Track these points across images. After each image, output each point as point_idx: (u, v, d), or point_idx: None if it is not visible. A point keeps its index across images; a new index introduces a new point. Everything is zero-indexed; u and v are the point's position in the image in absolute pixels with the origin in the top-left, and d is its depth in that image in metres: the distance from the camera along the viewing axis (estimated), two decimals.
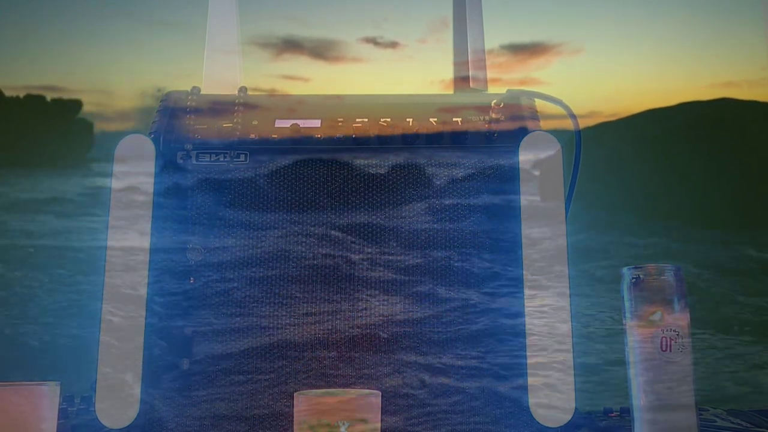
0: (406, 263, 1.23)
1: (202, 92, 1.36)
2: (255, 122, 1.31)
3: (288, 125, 1.31)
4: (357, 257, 1.24)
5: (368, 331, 1.21)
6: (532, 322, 1.20)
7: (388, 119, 1.31)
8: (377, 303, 1.22)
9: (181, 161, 1.27)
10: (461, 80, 1.47)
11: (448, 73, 1.49)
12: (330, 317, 1.22)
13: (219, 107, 1.33)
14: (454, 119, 1.32)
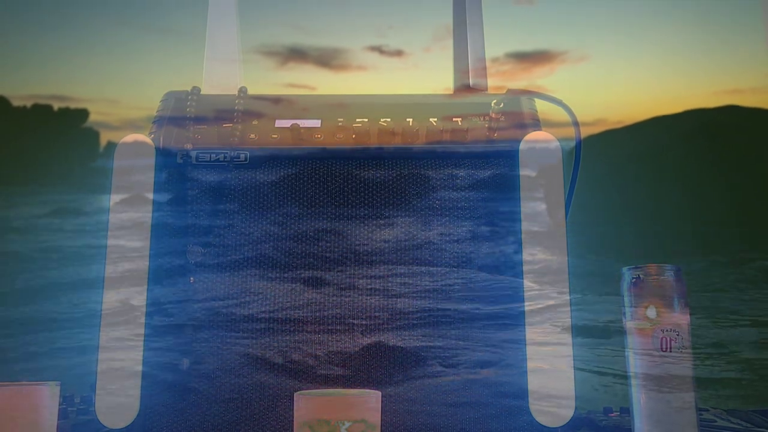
0: (406, 263, 1.24)
1: (202, 92, 1.37)
2: (255, 122, 1.32)
3: (288, 125, 1.31)
4: (356, 257, 1.24)
5: (372, 338, 1.21)
6: (532, 322, 1.20)
7: (389, 119, 1.31)
8: (377, 302, 1.22)
9: (180, 161, 1.27)
10: (462, 85, 1.48)
11: (451, 80, 1.50)
12: (329, 317, 1.22)
13: (219, 107, 1.33)
14: (455, 119, 1.32)
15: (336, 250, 1.24)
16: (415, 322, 1.21)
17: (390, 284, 1.23)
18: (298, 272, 1.23)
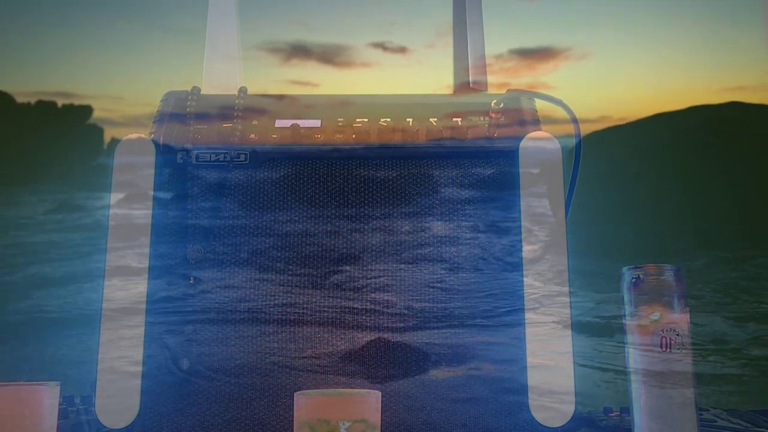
0: (406, 261, 1.24)
1: (202, 92, 1.37)
2: (255, 122, 1.32)
3: (288, 125, 1.31)
4: (357, 256, 1.24)
5: (373, 336, 1.21)
6: (531, 321, 1.20)
7: (389, 119, 1.31)
8: (378, 301, 1.22)
9: (181, 161, 1.28)
10: (462, 83, 1.48)
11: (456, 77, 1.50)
12: (329, 316, 1.22)
13: (219, 107, 1.33)
14: (454, 119, 1.32)
15: (336, 249, 1.24)
16: (415, 321, 1.21)
17: (390, 283, 1.23)
18: (298, 271, 1.24)
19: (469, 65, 1.47)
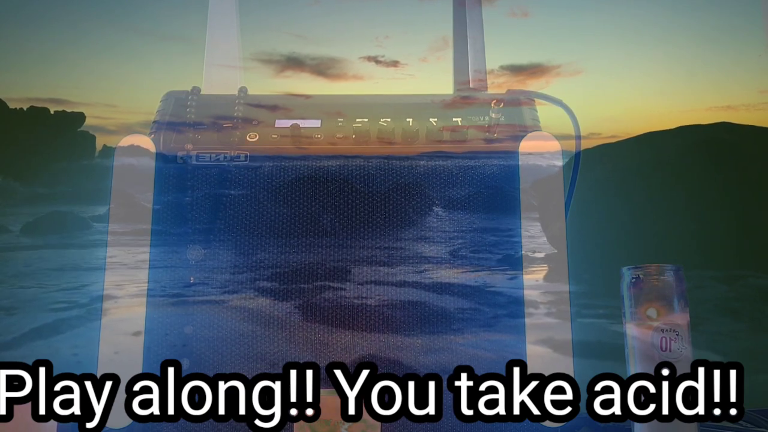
0: (401, 261, 1.24)
1: (202, 92, 1.37)
2: (255, 122, 1.32)
3: (288, 125, 1.31)
4: (357, 254, 1.24)
5: (370, 343, 1.21)
6: (532, 324, 1.20)
7: (388, 119, 1.32)
8: (376, 300, 1.22)
9: (181, 161, 1.28)
10: (462, 85, 1.48)
11: (449, 90, 1.50)
12: (328, 318, 1.22)
13: (219, 107, 1.33)
14: (454, 119, 1.32)
15: (335, 249, 1.24)
16: (414, 323, 1.21)
17: (390, 283, 1.23)
18: (297, 271, 1.23)
19: (470, 68, 1.47)
